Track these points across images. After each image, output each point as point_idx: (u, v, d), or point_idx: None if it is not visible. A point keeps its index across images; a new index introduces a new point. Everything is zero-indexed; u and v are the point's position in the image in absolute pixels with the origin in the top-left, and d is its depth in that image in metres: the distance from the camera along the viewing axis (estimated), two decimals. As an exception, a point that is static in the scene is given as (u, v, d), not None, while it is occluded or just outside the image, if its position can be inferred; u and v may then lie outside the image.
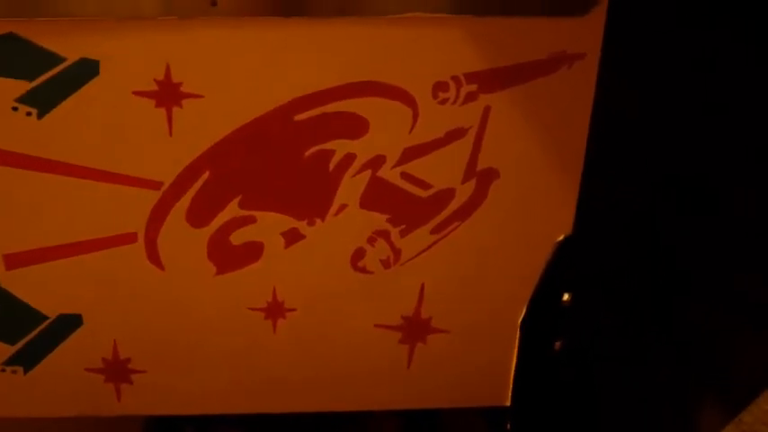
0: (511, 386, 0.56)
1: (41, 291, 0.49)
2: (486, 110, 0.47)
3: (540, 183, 0.50)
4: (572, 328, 0.55)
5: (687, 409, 0.62)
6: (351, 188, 0.48)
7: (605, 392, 0.60)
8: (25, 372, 0.51)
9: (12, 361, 0.51)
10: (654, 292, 0.62)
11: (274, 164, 0.47)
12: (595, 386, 0.59)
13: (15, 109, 0.44)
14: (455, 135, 0.48)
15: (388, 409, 0.58)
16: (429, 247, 0.51)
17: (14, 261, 0.48)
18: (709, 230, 0.63)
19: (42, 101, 0.44)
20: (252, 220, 0.48)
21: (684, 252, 0.61)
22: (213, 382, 0.53)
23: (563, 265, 0.53)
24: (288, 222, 0.49)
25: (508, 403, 0.56)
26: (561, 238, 0.52)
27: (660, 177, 0.59)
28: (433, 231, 0.51)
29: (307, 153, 0.47)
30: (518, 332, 0.54)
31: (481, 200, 0.50)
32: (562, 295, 0.54)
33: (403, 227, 0.50)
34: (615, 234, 0.55)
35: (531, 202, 0.51)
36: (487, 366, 0.55)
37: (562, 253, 0.52)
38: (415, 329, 0.53)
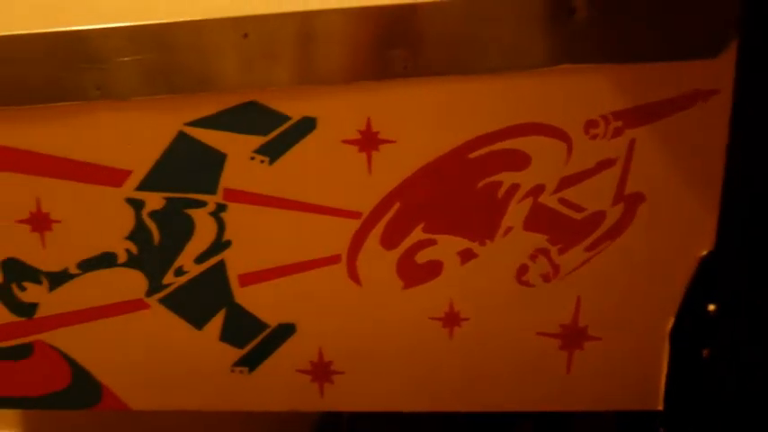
0: (662, 391, 0.61)
1: (265, 304, 0.60)
2: (632, 142, 0.55)
3: (683, 204, 0.56)
4: (719, 338, 0.59)
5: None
6: (516, 213, 0.57)
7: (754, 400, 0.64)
8: (250, 371, 0.62)
9: (240, 362, 0.62)
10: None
11: (452, 194, 0.57)
12: (746, 394, 0.63)
13: (252, 158, 0.57)
14: (605, 165, 0.56)
15: (550, 410, 0.64)
16: (584, 263, 0.58)
17: (247, 280, 0.60)
18: None
19: (273, 151, 0.56)
20: (433, 242, 0.58)
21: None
22: (398, 382, 0.62)
23: (707, 279, 0.58)
24: (463, 243, 0.58)
25: (660, 407, 0.61)
26: (704, 253, 0.57)
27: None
28: (587, 249, 0.58)
29: (479, 184, 0.56)
30: (667, 341, 0.60)
31: (630, 220, 0.57)
32: (708, 306, 0.59)
33: (561, 245, 0.58)
34: (760, 248, 0.60)
35: (676, 222, 0.57)
36: (640, 372, 0.61)
37: (706, 267, 0.58)
38: (572, 337, 0.60)
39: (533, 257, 0.58)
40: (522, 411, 0.65)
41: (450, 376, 0.62)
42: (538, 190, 0.56)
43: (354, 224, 0.57)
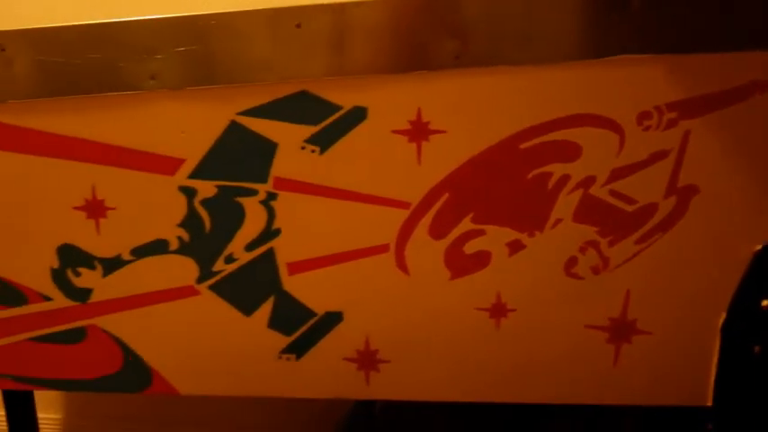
0: (712, 387, 0.60)
1: (313, 292, 0.61)
2: (686, 133, 0.54)
3: (738, 196, 0.55)
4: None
5: None
6: (566, 204, 0.57)
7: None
8: (297, 359, 0.63)
9: (287, 349, 0.63)
10: None
11: (502, 185, 0.57)
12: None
13: (303, 148, 0.57)
14: (658, 156, 0.55)
15: (596, 403, 0.64)
16: (634, 255, 0.58)
17: (295, 268, 0.60)
18: None
19: (323, 141, 0.57)
20: (482, 232, 0.58)
21: None
22: (444, 372, 0.63)
23: (761, 273, 0.57)
24: (512, 234, 0.58)
25: (709, 403, 0.61)
26: (759, 247, 0.56)
27: None
28: (638, 242, 0.57)
29: (529, 175, 0.56)
30: (718, 336, 0.59)
31: (682, 213, 0.56)
32: (761, 302, 0.58)
33: (611, 238, 0.57)
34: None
35: (730, 215, 0.56)
36: (689, 367, 0.60)
37: (760, 261, 0.57)
38: (621, 330, 0.60)
39: (583, 250, 0.57)
40: (567, 404, 0.64)
41: (496, 367, 0.62)
42: (588, 181, 0.56)
43: (403, 214, 0.57)
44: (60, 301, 0.63)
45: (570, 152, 0.54)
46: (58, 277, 0.62)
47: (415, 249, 0.58)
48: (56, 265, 0.62)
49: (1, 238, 0.62)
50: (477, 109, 0.55)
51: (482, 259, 0.58)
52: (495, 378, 0.62)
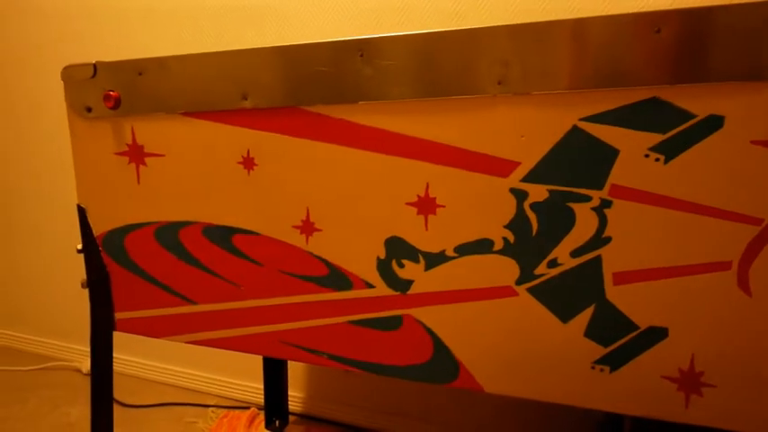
0: None
1: (638, 304, 0.59)
2: None
3: None
4: None
5: None
6: None
7: None
8: (611, 371, 0.62)
9: (601, 360, 0.62)
10: None
11: None
12: None
13: (647, 156, 0.56)
14: None
15: None
16: None
17: (622, 278, 0.59)
18: None
19: (670, 149, 0.55)
20: None
21: None
22: (778, 406, 0.58)
23: None
24: None
25: None
26: None
27: None
28: None
29: None
30: None
31: None
32: None
33: None
34: None
35: None
36: None
37: None
38: None
39: None
40: None
41: None
42: None
43: (752, 230, 0.54)
44: (382, 289, 0.67)
45: None
46: (383, 267, 0.66)
47: (763, 269, 0.54)
48: (382, 255, 0.66)
49: (337, 226, 0.67)
50: None
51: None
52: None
